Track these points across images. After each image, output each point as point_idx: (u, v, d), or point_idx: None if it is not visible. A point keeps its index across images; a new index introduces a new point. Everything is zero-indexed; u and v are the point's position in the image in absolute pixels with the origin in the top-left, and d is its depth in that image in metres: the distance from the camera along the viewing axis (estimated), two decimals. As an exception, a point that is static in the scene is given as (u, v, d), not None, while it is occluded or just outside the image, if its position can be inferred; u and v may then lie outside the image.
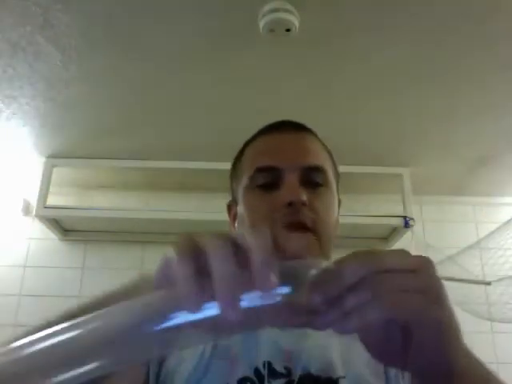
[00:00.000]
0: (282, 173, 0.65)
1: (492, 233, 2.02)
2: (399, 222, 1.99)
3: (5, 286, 2.09)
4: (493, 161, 2.03)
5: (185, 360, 0.59)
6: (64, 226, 2.12)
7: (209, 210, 1.93)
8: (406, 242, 2.03)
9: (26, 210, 2.21)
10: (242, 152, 0.76)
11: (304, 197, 0.62)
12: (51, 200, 1.98)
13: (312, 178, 0.66)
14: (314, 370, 0.59)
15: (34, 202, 2.02)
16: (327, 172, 0.69)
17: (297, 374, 0.58)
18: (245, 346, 0.60)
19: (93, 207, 2.06)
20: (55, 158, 2.02)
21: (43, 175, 1.99)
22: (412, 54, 1.41)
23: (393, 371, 0.61)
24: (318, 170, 0.68)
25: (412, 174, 2.08)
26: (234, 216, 0.74)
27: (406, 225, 1.97)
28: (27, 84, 1.54)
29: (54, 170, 2.02)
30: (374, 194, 2.18)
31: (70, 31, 1.31)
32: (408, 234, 2.04)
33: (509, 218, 1.95)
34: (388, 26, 1.31)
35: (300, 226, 0.62)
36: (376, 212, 2.06)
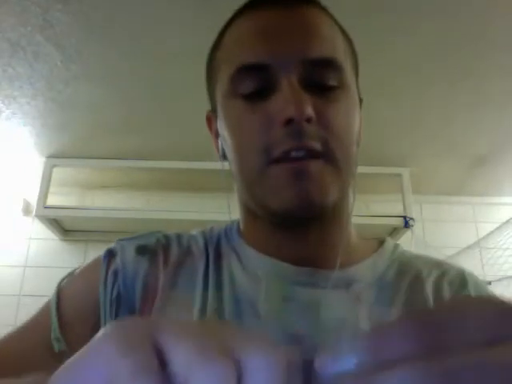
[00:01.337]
0: (274, 72, 0.45)
1: (492, 233, 2.02)
2: (399, 222, 1.99)
3: (5, 285, 2.09)
4: (492, 161, 2.03)
5: None
6: (64, 226, 2.12)
7: (209, 210, 1.93)
8: (406, 242, 2.03)
9: (26, 210, 2.21)
10: (220, 37, 0.53)
11: (308, 109, 0.42)
12: (51, 200, 1.98)
13: (320, 78, 0.45)
14: None
15: (34, 202, 2.02)
16: (343, 66, 0.47)
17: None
18: (244, 325, 0.47)
19: (93, 207, 2.06)
20: (55, 157, 2.02)
21: (43, 175, 1.99)
22: (411, 55, 1.41)
23: None
24: (330, 64, 0.46)
25: (412, 174, 2.08)
26: (215, 132, 0.55)
27: (406, 225, 1.97)
28: (27, 84, 1.54)
29: (54, 169, 2.02)
30: (374, 194, 2.18)
31: (70, 31, 1.31)
32: (408, 234, 2.04)
33: (508, 217, 1.95)
34: (387, 28, 1.31)
35: (307, 154, 0.43)
36: (376, 212, 2.06)
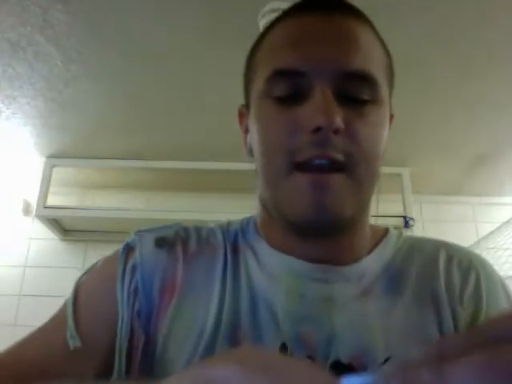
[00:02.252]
0: (309, 80, 0.45)
1: (492, 233, 2.02)
2: (399, 222, 1.99)
3: (5, 286, 2.09)
4: (492, 160, 2.03)
5: (179, 343, 0.46)
6: (64, 226, 2.12)
7: (209, 210, 1.93)
8: (406, 242, 2.03)
9: (26, 210, 2.21)
10: (261, 39, 0.53)
11: (338, 120, 0.42)
12: (51, 200, 1.98)
13: (354, 91, 0.45)
14: (344, 357, 0.44)
15: (34, 202, 2.02)
16: (378, 81, 0.47)
17: (326, 364, 0.44)
18: (255, 324, 0.47)
19: (93, 207, 2.06)
20: (55, 157, 2.02)
21: (43, 175, 1.99)
22: (411, 54, 1.41)
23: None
24: (365, 78, 0.45)
25: (412, 174, 2.08)
26: (245, 128, 0.56)
27: (406, 225, 1.97)
28: (27, 84, 1.54)
29: (54, 169, 2.02)
30: (374, 194, 2.17)
31: (70, 31, 1.31)
32: (408, 234, 2.04)
33: (508, 217, 1.95)
34: (385, 26, 1.31)
35: (329, 164, 0.44)
36: (376, 212, 2.06)
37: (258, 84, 0.50)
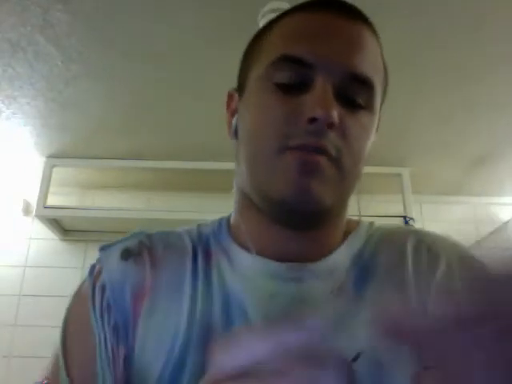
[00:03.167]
0: (314, 72, 0.46)
1: (492, 233, 2.02)
2: (399, 222, 1.99)
3: (5, 286, 2.09)
4: (492, 160, 2.03)
5: (155, 347, 0.47)
6: (64, 226, 2.12)
7: (209, 210, 1.93)
8: (406, 242, 2.03)
9: (26, 210, 2.21)
10: (268, 27, 0.53)
11: (334, 114, 0.44)
12: (51, 200, 1.98)
13: (353, 94, 0.47)
14: None
15: (34, 202, 2.02)
16: (377, 90, 0.49)
17: None
18: (228, 327, 0.47)
19: (93, 207, 2.06)
20: (55, 157, 2.02)
21: (43, 175, 1.99)
22: (411, 54, 1.41)
23: None
24: (365, 83, 0.47)
25: (412, 174, 2.08)
26: (232, 111, 0.57)
27: (406, 225, 1.97)
28: (27, 84, 1.54)
29: (54, 169, 2.02)
30: (374, 194, 2.18)
31: (71, 31, 1.31)
32: (408, 234, 2.04)
33: (509, 217, 1.95)
34: (384, 26, 1.31)
35: (318, 151, 0.45)
36: (376, 212, 2.06)
37: (259, 68, 0.50)
